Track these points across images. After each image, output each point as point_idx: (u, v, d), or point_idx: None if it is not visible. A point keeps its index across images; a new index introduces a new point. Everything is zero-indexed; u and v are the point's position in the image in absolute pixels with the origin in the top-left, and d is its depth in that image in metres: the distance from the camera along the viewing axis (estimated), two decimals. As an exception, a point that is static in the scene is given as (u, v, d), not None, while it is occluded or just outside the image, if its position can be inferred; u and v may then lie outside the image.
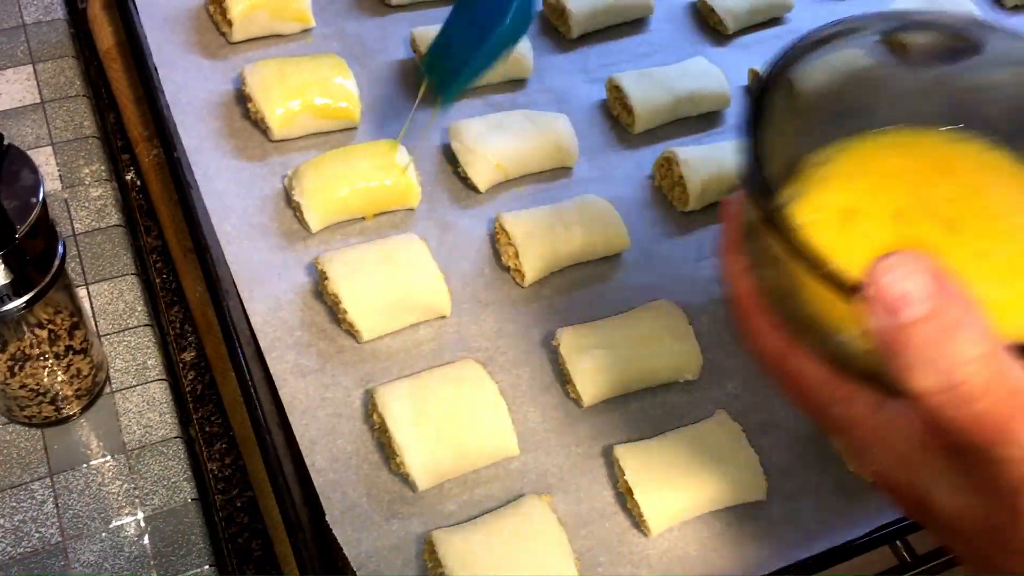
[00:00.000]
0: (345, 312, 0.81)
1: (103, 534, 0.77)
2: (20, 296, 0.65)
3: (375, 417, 0.77)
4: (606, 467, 0.78)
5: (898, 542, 0.77)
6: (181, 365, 0.87)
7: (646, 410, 0.82)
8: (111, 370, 0.85)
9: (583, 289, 0.90)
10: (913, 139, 0.49)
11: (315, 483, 0.74)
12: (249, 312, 0.82)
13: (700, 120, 1.05)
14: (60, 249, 0.68)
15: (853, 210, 0.45)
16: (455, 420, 0.75)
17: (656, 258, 0.92)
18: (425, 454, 0.74)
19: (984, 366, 0.35)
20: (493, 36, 0.72)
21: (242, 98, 0.96)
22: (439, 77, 0.78)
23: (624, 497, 0.76)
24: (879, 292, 0.35)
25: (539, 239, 0.87)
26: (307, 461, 0.75)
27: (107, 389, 0.84)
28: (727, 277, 0.47)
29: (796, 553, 0.74)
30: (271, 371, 0.80)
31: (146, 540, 0.77)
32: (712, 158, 0.94)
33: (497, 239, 0.90)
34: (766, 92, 0.43)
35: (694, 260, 0.93)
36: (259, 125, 0.95)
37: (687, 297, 0.87)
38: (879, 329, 0.36)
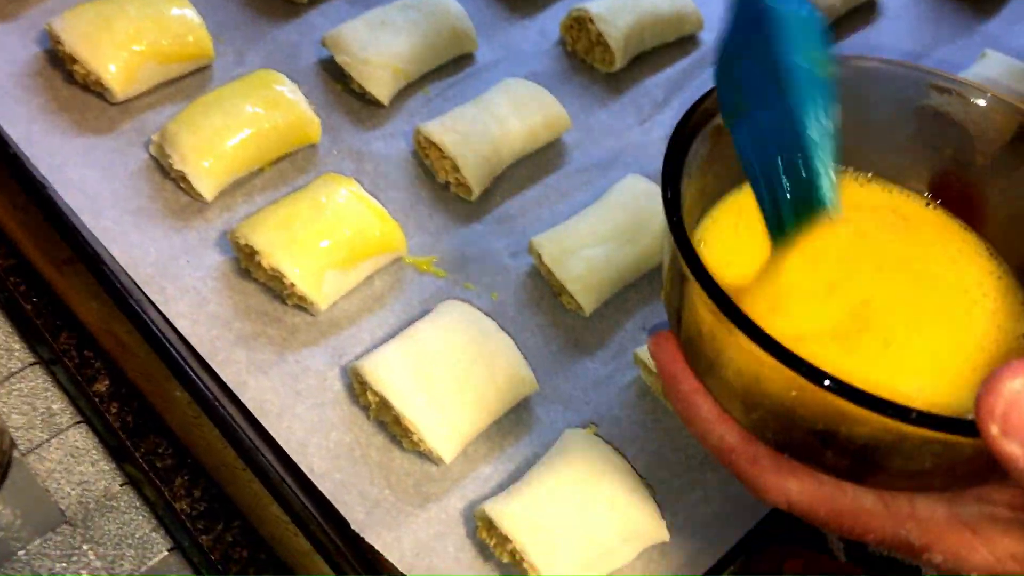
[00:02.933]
0: (292, 285, 0.67)
1: (80, 626, 0.62)
2: None
3: (368, 396, 0.65)
4: (628, 370, 0.70)
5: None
6: (97, 399, 0.71)
7: (647, 299, 0.74)
8: (11, 429, 0.69)
9: (535, 185, 0.79)
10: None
11: (323, 491, 0.62)
12: (170, 316, 0.67)
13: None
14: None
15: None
16: (462, 373, 0.64)
17: (598, 131, 0.83)
18: (442, 421, 0.63)
19: None
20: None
21: (58, 60, 0.77)
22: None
23: (662, 401, 0.69)
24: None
25: (475, 143, 0.75)
26: (303, 468, 0.63)
27: (15, 454, 0.68)
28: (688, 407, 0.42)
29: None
30: (223, 378, 0.66)
31: (133, 615, 0.64)
32: (627, 4, 0.84)
33: (424, 155, 0.78)
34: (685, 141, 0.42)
35: (638, 123, 0.84)
36: (92, 88, 0.77)
37: (646, 165, 0.78)
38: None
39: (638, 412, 0.69)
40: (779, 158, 0.41)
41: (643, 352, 0.68)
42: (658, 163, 0.75)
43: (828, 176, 0.41)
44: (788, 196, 0.41)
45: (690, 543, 0.63)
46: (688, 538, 0.64)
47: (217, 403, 0.64)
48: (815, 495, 0.40)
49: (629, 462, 0.63)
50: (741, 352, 0.36)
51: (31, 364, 0.72)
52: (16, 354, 0.72)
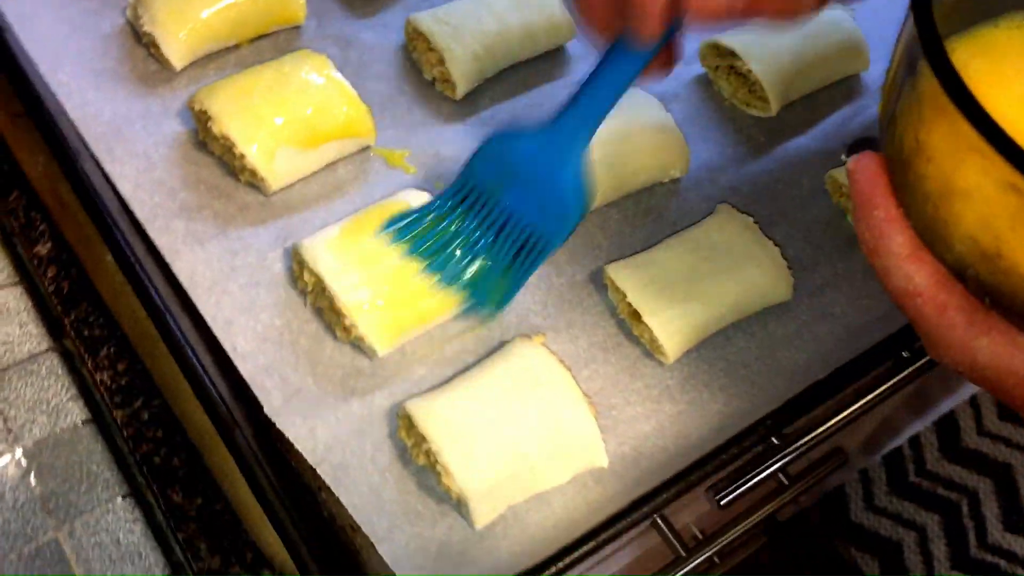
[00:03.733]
0: (243, 157, 0.63)
1: (-27, 485, 0.59)
2: None
3: (306, 277, 0.60)
4: (597, 293, 0.64)
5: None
6: (36, 262, 0.67)
7: (629, 219, 0.68)
8: (-56, 282, 0.66)
9: (529, 92, 0.73)
10: None
11: (242, 372, 0.57)
12: (113, 177, 0.63)
13: None
14: None
15: None
16: (409, 263, 0.59)
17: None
18: (379, 310, 0.58)
19: None
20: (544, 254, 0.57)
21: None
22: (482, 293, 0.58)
23: (628, 324, 0.62)
24: None
25: (467, 38, 0.70)
26: (226, 346, 0.58)
27: (-57, 305, 0.65)
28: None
29: (838, 354, 0.62)
30: (157, 245, 0.61)
31: (31, 480, 0.60)
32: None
33: (413, 47, 0.73)
34: None
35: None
36: (79, -51, 0.73)
37: (654, 84, 0.72)
38: None
39: (600, 334, 0.62)
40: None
41: (613, 270, 0.62)
42: (667, 83, 0.69)
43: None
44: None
45: (632, 474, 0.57)
46: (631, 468, 0.57)
47: (141, 270, 0.60)
48: (1010, 359, 0.34)
49: (575, 379, 0.57)
50: (976, 168, 0.30)
51: (-23, 221, 0.69)
52: (-37, 209, 0.69)
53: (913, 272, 0.35)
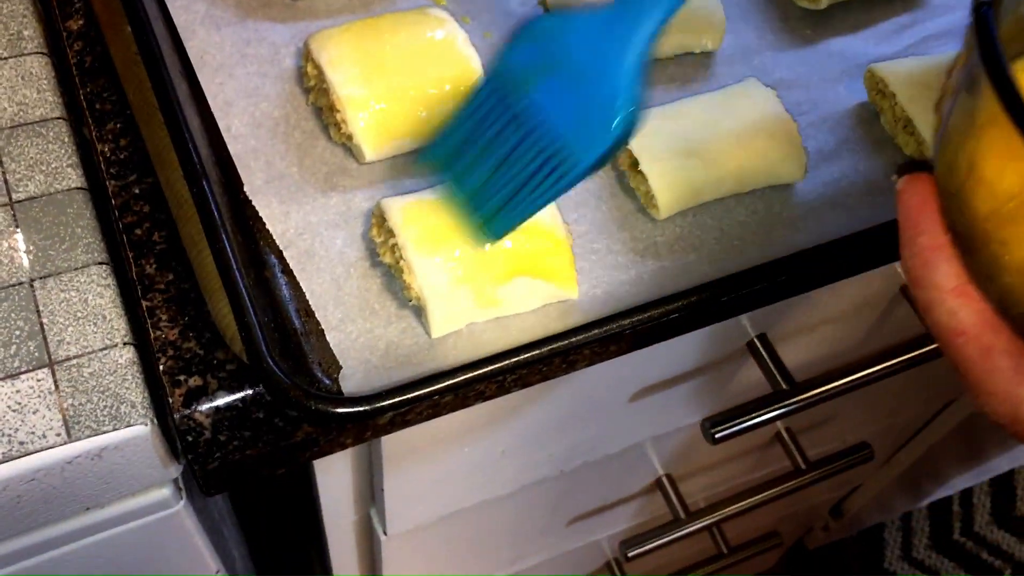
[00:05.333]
0: (270, -52, 0.62)
1: (-40, 220, 0.60)
2: None
3: (310, 70, 0.59)
4: (603, 146, 0.62)
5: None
6: (66, 35, 0.68)
7: (653, 84, 0.65)
8: (-25, 39, 0.67)
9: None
10: None
11: (231, 150, 0.57)
12: (146, -50, 0.64)
13: None
14: None
15: None
16: (414, 74, 0.58)
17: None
18: (374, 112, 0.57)
19: None
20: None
21: None
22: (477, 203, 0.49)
23: (626, 176, 0.61)
24: None
25: None
26: (220, 125, 0.58)
27: (-31, 59, 0.66)
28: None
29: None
30: (175, 22, 0.62)
31: (18, 234, 0.61)
32: None
33: None
34: None
35: None
36: None
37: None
38: None
39: (594, 181, 0.60)
40: None
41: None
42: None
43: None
44: None
45: (599, 312, 0.55)
46: (599, 308, 0.55)
47: (153, 39, 0.60)
48: None
49: (563, 218, 0.55)
50: None
51: (19, -9, 0.70)
52: (6, -25, 0.70)
53: (958, 308, 0.33)
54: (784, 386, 0.69)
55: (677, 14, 0.60)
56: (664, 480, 0.97)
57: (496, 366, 0.49)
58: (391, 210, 0.53)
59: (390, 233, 0.53)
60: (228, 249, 0.53)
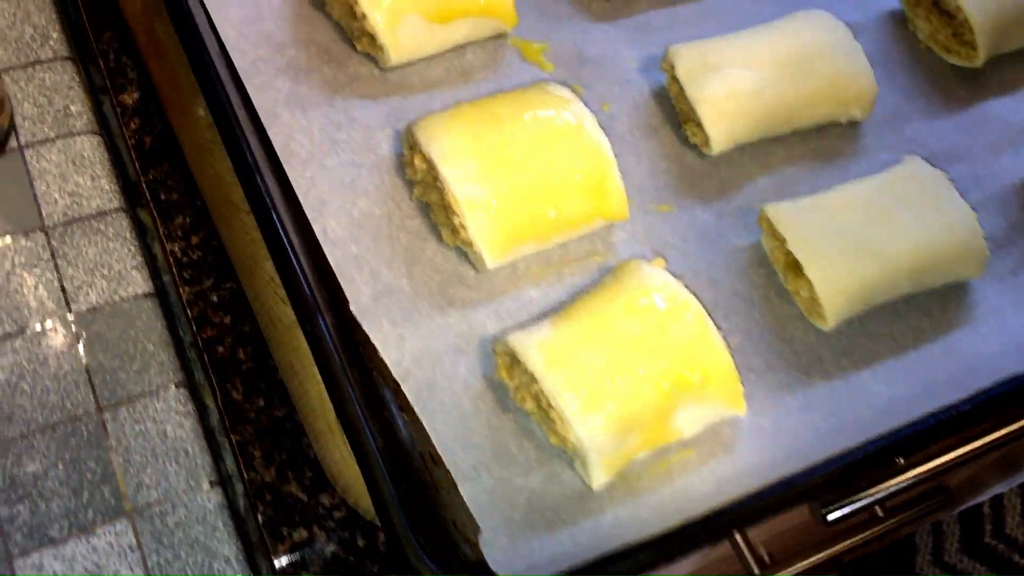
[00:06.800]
0: (363, 19, 0.54)
1: (16, 342, 0.52)
2: None
3: (416, 163, 0.51)
4: (748, 235, 0.54)
5: None
6: (120, 111, 0.60)
7: (794, 159, 0.58)
8: (17, 117, 0.59)
9: (690, 3, 0.63)
10: None
11: (330, 259, 0.49)
12: (217, 21, 0.55)
13: None
14: None
15: None
16: (540, 167, 0.50)
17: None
18: (496, 212, 0.49)
19: None
20: None
21: None
22: None
23: (781, 277, 0.53)
24: None
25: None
26: (315, 228, 0.50)
27: (12, 143, 0.58)
28: None
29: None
30: (255, 104, 0.53)
31: (80, 350, 0.53)
32: None
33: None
34: None
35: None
36: None
37: (840, 11, 0.61)
38: None
39: (745, 283, 0.53)
40: None
41: (773, 211, 0.52)
42: (855, 13, 0.59)
43: None
44: None
45: (769, 452, 0.48)
46: (768, 444, 0.48)
47: (237, 125, 0.52)
48: None
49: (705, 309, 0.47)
50: None
51: (64, 58, 0.62)
52: (51, 43, 0.62)
53: None
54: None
55: (822, 79, 0.52)
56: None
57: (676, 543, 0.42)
58: (526, 352, 0.45)
59: (526, 374, 0.46)
60: (345, 384, 0.45)
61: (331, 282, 0.49)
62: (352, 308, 0.48)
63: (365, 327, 0.48)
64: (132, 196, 0.58)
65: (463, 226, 0.49)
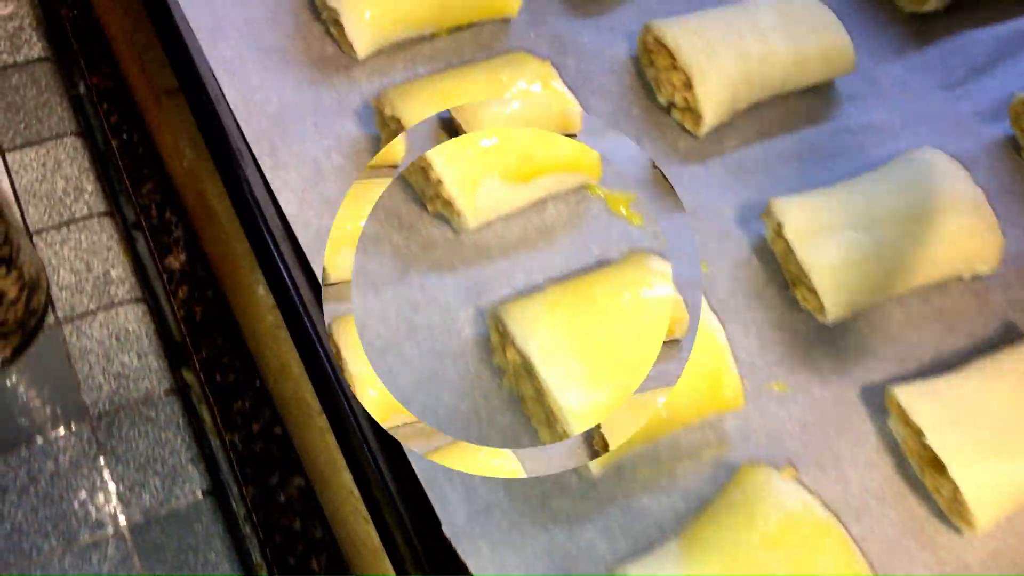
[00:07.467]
0: (438, 184, 0.49)
1: (64, 559, 0.47)
2: None
3: (508, 355, 0.46)
4: (872, 416, 0.49)
5: None
6: (167, 276, 0.55)
7: (915, 322, 0.52)
8: (53, 287, 0.54)
9: (787, 135, 0.58)
10: None
11: (417, 473, 0.44)
12: (275, 187, 0.50)
13: None
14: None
15: None
16: (649, 364, 0.45)
17: (886, 85, 0.61)
18: (601, 416, 0.44)
19: None
20: None
21: None
22: None
23: (914, 467, 0.48)
24: None
25: (723, 58, 0.55)
26: (405, 448, 0.45)
27: (49, 318, 0.53)
28: None
29: None
30: (322, 283, 0.48)
31: (135, 563, 0.47)
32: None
33: (649, 61, 0.58)
34: None
35: (944, 87, 0.62)
36: None
37: (947, 143, 0.56)
38: None
39: (874, 475, 0.47)
40: None
41: (904, 393, 0.47)
42: (963, 142, 0.54)
43: None
44: None
45: None
46: None
47: (306, 316, 0.46)
48: None
49: (855, 543, 0.42)
50: None
51: (101, 214, 0.57)
52: (85, 197, 0.57)
53: None
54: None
55: (945, 235, 0.47)
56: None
57: None
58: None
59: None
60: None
61: (420, 500, 0.44)
62: (444, 529, 0.43)
63: (460, 551, 0.43)
64: (183, 377, 0.53)
65: (567, 433, 0.44)
